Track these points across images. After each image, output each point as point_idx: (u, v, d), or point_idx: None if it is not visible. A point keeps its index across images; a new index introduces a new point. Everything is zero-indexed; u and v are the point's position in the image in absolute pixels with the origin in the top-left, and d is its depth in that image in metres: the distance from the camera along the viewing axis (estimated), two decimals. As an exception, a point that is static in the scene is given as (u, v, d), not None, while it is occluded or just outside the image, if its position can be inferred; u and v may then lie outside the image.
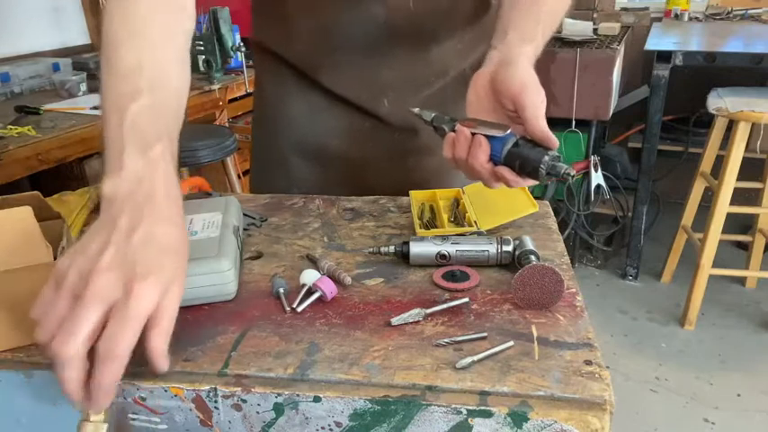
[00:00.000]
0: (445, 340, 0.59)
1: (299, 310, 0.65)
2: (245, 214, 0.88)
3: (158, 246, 0.52)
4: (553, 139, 0.67)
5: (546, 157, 0.65)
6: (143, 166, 0.55)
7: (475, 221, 0.80)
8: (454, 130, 0.71)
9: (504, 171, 0.67)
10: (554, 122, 2.57)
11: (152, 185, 0.54)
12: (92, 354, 0.48)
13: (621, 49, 2.61)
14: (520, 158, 0.66)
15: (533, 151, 0.66)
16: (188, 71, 0.67)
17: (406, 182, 0.93)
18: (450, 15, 0.95)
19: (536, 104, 0.67)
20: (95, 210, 0.85)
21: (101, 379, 0.48)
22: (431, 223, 0.83)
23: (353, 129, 1.01)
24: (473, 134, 0.68)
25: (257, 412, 0.54)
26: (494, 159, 0.68)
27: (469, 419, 0.52)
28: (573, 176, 0.66)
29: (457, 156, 0.70)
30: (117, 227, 0.51)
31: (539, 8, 0.79)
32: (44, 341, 0.48)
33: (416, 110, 0.76)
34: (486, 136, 0.67)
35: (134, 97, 0.58)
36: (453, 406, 0.52)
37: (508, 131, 0.67)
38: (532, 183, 0.69)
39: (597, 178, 2.60)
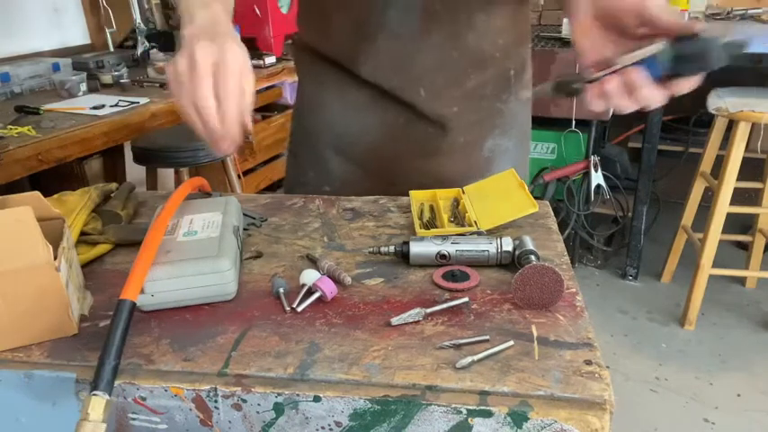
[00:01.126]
0: (446, 343, 0.59)
1: (299, 310, 0.65)
2: (245, 214, 0.88)
3: (229, 35, 0.68)
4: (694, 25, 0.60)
5: (717, 42, 0.57)
6: (207, 14, 0.71)
7: (475, 221, 0.80)
8: (589, 82, 0.65)
9: (676, 86, 0.63)
10: (554, 122, 2.58)
11: (217, 21, 0.70)
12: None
13: (621, 49, 2.61)
14: (688, 60, 0.59)
15: (697, 45, 0.58)
16: None
17: (436, 180, 0.93)
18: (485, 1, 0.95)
19: (663, 7, 0.61)
20: (96, 209, 0.86)
21: (227, 113, 0.64)
22: (431, 223, 0.83)
23: (388, 125, 1.03)
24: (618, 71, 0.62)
25: (257, 412, 0.54)
26: (655, 78, 0.61)
27: (469, 419, 0.52)
28: (745, 45, 0.59)
29: (614, 103, 0.64)
30: (198, 38, 0.66)
31: None
32: (184, 107, 0.65)
33: (533, 91, 0.68)
34: (636, 63, 0.61)
35: None
36: (453, 406, 0.52)
37: (655, 44, 0.60)
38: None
39: (597, 178, 2.60)
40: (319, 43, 1.04)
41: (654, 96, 0.62)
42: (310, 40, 1.06)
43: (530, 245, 0.72)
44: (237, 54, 0.66)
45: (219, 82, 0.64)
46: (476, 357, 0.56)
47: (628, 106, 0.64)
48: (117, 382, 0.54)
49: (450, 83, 0.99)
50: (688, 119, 2.95)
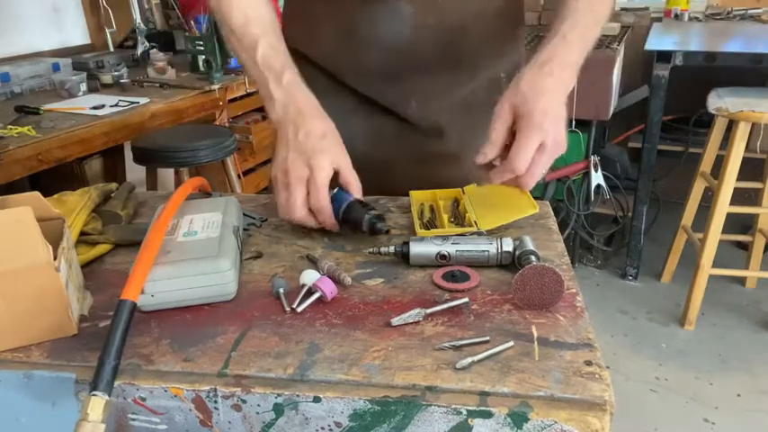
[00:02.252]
0: (446, 344, 0.58)
1: (299, 310, 0.65)
2: (245, 214, 0.88)
3: (315, 136, 0.78)
4: None
5: (366, 216, 0.77)
6: (283, 94, 0.81)
7: (475, 222, 0.80)
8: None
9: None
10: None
11: (295, 104, 0.81)
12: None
13: (621, 49, 2.61)
14: (349, 216, 0.78)
15: (354, 211, 0.78)
16: (272, 6, 0.89)
17: (432, 186, 0.92)
18: (479, 11, 0.94)
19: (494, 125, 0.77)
20: (96, 209, 0.86)
21: (323, 223, 0.79)
22: (431, 223, 0.83)
23: (380, 131, 1.01)
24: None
25: (257, 413, 0.54)
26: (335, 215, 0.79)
27: (469, 420, 0.52)
28: (388, 232, 0.78)
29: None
30: (287, 138, 0.79)
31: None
32: (286, 218, 0.80)
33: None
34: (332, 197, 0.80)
35: (256, 45, 0.83)
36: (453, 406, 0.52)
37: (342, 194, 0.80)
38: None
39: (597, 178, 2.60)
40: (306, 48, 1.02)
41: (329, 226, 0.80)
42: (299, 45, 1.03)
43: (530, 245, 0.72)
44: (324, 168, 0.77)
45: (312, 197, 0.77)
46: (476, 358, 0.56)
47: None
48: (117, 383, 0.54)
49: (441, 93, 0.97)
50: (688, 119, 2.95)
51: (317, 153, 0.76)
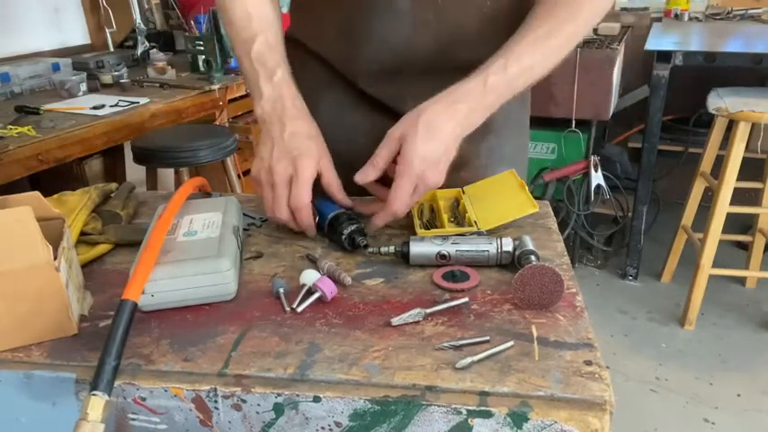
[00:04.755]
0: (446, 344, 0.58)
1: (299, 310, 0.65)
2: (245, 214, 0.88)
3: (300, 136, 0.79)
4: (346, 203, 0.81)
5: (346, 231, 0.77)
6: (272, 90, 0.82)
7: (475, 221, 0.80)
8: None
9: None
10: (554, 122, 2.58)
11: (283, 102, 0.81)
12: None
13: (621, 49, 2.61)
14: (334, 227, 0.78)
15: (341, 225, 0.78)
16: (278, 6, 0.92)
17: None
18: (479, 12, 0.94)
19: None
20: (96, 209, 0.86)
21: (300, 223, 0.79)
22: (431, 223, 0.83)
23: (377, 129, 1.01)
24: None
25: (257, 412, 0.54)
26: (320, 223, 0.81)
27: (469, 420, 0.52)
28: (366, 246, 0.76)
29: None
30: (272, 135, 0.80)
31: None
32: (270, 216, 0.80)
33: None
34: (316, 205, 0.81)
35: (253, 40, 0.84)
36: (453, 406, 0.52)
37: (327, 203, 0.82)
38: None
39: (597, 178, 2.60)
40: (310, 41, 1.03)
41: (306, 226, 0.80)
42: (301, 37, 1.05)
43: (530, 245, 0.72)
44: (307, 168, 0.77)
45: (293, 196, 0.77)
46: (476, 358, 0.56)
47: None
48: (117, 383, 0.54)
49: (436, 91, 0.98)
50: (688, 119, 2.95)
51: (302, 153, 0.77)
